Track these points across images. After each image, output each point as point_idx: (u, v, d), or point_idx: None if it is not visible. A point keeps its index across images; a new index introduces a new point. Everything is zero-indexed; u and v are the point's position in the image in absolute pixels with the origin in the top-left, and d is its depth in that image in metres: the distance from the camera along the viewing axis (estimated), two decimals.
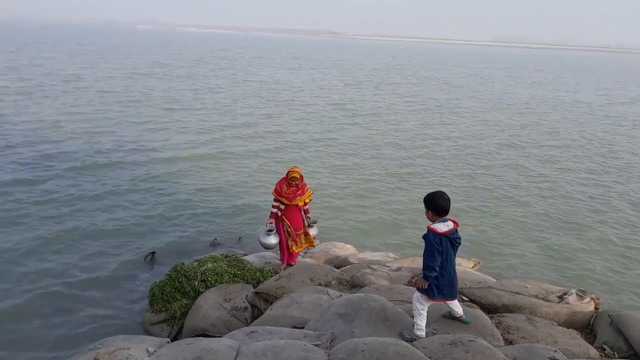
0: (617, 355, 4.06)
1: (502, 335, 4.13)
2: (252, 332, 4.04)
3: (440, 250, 3.62)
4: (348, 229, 9.25)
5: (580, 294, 4.91)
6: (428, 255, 3.63)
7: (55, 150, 12.75)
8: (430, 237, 3.62)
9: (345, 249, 7.47)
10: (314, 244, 6.72)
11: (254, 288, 5.64)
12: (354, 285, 5.53)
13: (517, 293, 4.88)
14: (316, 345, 3.64)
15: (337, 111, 22.30)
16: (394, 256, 7.41)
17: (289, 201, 6.29)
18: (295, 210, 6.39)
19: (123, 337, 3.85)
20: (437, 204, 3.65)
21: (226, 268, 5.92)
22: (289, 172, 6.32)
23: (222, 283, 5.73)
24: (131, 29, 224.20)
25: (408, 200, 10.90)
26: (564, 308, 4.69)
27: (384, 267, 5.97)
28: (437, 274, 3.64)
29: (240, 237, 8.43)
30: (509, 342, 4.06)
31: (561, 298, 4.83)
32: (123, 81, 27.12)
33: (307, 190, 6.46)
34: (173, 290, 5.69)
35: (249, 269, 6.03)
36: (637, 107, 29.36)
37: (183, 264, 6.15)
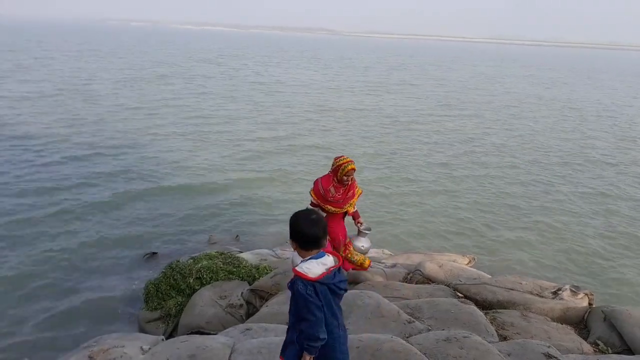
0: (610, 351, 4.08)
1: (496, 331, 4.15)
2: (247, 329, 4.03)
3: (319, 306, 2.33)
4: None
5: (574, 289, 4.93)
6: (302, 315, 2.34)
7: (56, 149, 12.71)
8: (299, 289, 2.31)
9: None
10: (365, 263, 4.88)
11: (250, 285, 5.63)
12: (349, 281, 5.54)
13: (512, 289, 4.90)
14: None
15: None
16: (389, 253, 7.43)
17: (337, 207, 4.51)
18: (340, 219, 4.67)
19: (117, 335, 3.84)
20: (301, 231, 2.37)
21: (221, 265, 5.90)
22: (341, 164, 4.38)
23: (218, 280, 5.72)
24: (126, 27, 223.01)
25: (407, 198, 10.93)
26: (558, 304, 4.71)
27: (379, 264, 5.98)
28: (323, 342, 2.37)
29: (237, 235, 8.42)
30: (503, 338, 4.08)
31: (555, 294, 4.85)
32: (129, 84, 26.63)
33: (357, 189, 4.69)
34: (168, 287, 5.67)
35: (245, 266, 6.02)
36: None
37: (178, 261, 6.15)
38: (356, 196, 4.67)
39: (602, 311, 4.53)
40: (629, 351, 4.02)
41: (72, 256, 7.42)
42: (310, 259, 2.37)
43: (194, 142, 14.56)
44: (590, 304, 4.88)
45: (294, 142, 15.34)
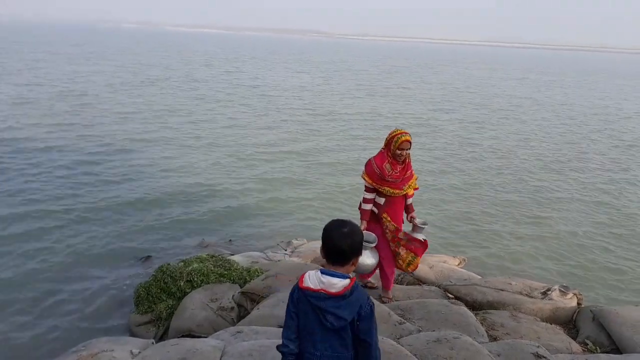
0: (599, 350, 4.12)
1: (486, 331, 4.17)
2: (238, 332, 4.02)
3: (290, 312, 2.22)
4: None
5: (563, 289, 4.97)
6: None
7: (47, 154, 12.62)
8: (291, 290, 2.25)
9: None
10: (417, 263, 4.37)
11: (241, 288, 5.61)
12: None
13: (502, 290, 4.93)
14: None
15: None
16: None
17: (395, 189, 4.07)
18: (400, 203, 4.23)
19: (107, 339, 3.81)
20: (326, 241, 2.19)
21: (212, 268, 5.88)
22: (393, 135, 3.99)
23: (209, 283, 5.69)
24: (119, 28, 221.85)
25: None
26: (547, 304, 4.74)
27: None
28: (287, 350, 2.22)
29: (230, 239, 8.37)
30: (493, 339, 4.11)
31: (544, 294, 4.89)
32: (125, 88, 26.34)
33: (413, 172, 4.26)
34: (159, 290, 5.63)
35: (236, 269, 6.00)
36: None
37: (169, 264, 6.11)
38: (414, 177, 4.20)
39: (590, 311, 4.57)
40: (617, 350, 4.06)
41: (61, 260, 7.36)
42: (319, 270, 2.18)
43: (186, 147, 14.47)
44: (579, 304, 4.93)
45: (288, 147, 15.29)
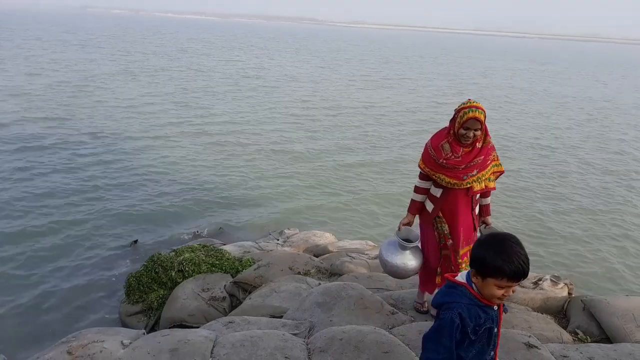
0: (589, 340, 4.15)
1: None
2: (230, 322, 4.00)
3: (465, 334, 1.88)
4: (327, 218, 9.25)
5: (554, 279, 5.00)
6: (436, 336, 1.88)
7: (40, 140, 12.53)
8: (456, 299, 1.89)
9: (325, 238, 7.47)
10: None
11: (233, 278, 5.59)
12: (333, 273, 5.54)
13: None
14: (294, 335, 3.63)
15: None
16: (373, 244, 7.45)
17: (453, 178, 3.12)
18: (464, 199, 3.24)
19: (97, 330, 3.77)
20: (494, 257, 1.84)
21: (204, 258, 5.85)
22: (460, 109, 3.03)
23: (200, 273, 5.67)
24: (107, 15, 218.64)
25: (391, 191, 10.97)
26: (539, 294, 4.76)
27: (363, 255, 5.99)
28: None
29: (220, 227, 8.35)
30: None
31: (536, 284, 4.91)
32: (119, 78, 26.18)
33: (493, 159, 3.22)
34: (150, 280, 5.60)
35: (228, 259, 5.98)
36: None
37: (160, 254, 6.07)
38: (489, 168, 3.14)
39: (581, 301, 4.59)
40: (607, 340, 4.09)
41: (53, 250, 7.30)
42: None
43: (179, 139, 14.33)
44: (570, 294, 4.95)
45: (283, 139, 15.22)
